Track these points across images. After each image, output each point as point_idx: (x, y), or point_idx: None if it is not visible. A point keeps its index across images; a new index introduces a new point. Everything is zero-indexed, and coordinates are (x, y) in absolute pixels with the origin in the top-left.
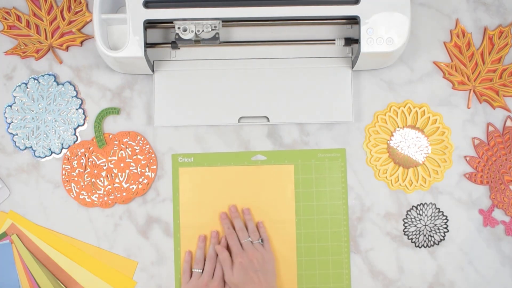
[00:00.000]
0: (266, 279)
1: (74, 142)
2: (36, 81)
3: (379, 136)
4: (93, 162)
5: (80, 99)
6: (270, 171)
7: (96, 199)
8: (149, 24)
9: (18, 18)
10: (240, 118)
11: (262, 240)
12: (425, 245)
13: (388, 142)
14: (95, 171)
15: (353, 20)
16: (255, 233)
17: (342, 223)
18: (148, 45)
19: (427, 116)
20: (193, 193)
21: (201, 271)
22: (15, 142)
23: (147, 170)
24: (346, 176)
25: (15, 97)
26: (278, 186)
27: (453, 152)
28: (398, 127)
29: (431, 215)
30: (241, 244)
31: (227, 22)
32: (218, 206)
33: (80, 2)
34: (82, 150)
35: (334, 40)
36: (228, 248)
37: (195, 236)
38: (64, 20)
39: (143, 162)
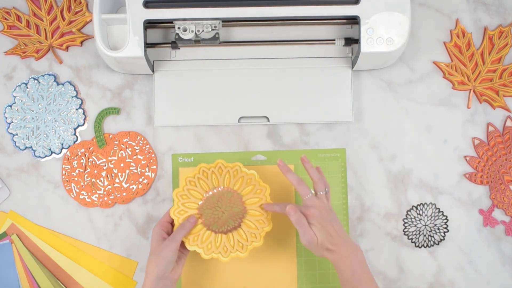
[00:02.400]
0: (340, 228)
1: (74, 142)
2: (36, 81)
3: (189, 201)
4: (93, 162)
5: (80, 99)
6: (270, 171)
7: (96, 199)
8: (149, 24)
9: (18, 18)
10: (240, 118)
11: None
12: (425, 245)
13: (199, 206)
14: (95, 171)
15: (353, 20)
16: (320, 182)
17: (342, 223)
18: (148, 45)
19: (241, 175)
20: None
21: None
22: (15, 142)
23: (147, 170)
24: (346, 176)
25: (15, 97)
26: (278, 186)
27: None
28: (210, 190)
29: (431, 215)
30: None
31: (227, 22)
32: None
33: (80, 2)
34: (82, 150)
35: (334, 40)
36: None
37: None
38: (64, 20)
39: (143, 162)
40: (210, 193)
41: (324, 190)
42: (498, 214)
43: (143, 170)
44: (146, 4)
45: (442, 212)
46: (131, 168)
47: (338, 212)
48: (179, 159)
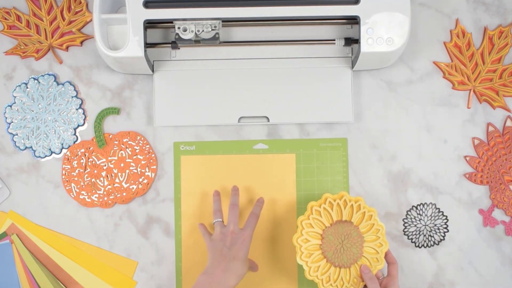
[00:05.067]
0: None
1: (74, 142)
2: (36, 81)
3: (312, 230)
4: (93, 162)
5: (80, 99)
6: (272, 160)
7: (96, 199)
8: (149, 24)
9: (18, 18)
10: (240, 118)
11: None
12: (425, 245)
13: (321, 237)
14: (95, 171)
15: (353, 20)
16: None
17: None
18: (148, 45)
19: (362, 211)
20: (195, 180)
21: (221, 220)
22: (15, 142)
23: (147, 170)
24: (348, 166)
25: (15, 97)
26: (280, 175)
27: (385, 250)
28: (333, 222)
29: (431, 215)
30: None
31: (227, 22)
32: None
33: (80, 2)
34: (82, 150)
35: (334, 40)
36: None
37: (196, 223)
38: (64, 20)
39: (143, 162)
40: (330, 225)
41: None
42: (498, 214)
43: (143, 170)
44: (146, 4)
45: (442, 212)
46: (131, 168)
47: None
48: (181, 147)
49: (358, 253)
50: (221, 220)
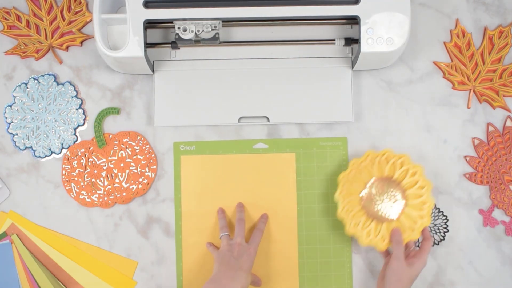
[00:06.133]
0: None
1: (74, 142)
2: (36, 81)
3: (353, 186)
4: (93, 162)
5: (80, 99)
6: (272, 159)
7: (96, 199)
8: (149, 24)
9: (18, 18)
10: (240, 118)
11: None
12: None
13: (362, 193)
14: (95, 171)
15: (353, 20)
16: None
17: None
18: (148, 45)
19: (406, 168)
20: (195, 180)
21: (228, 234)
22: (15, 142)
23: (147, 170)
24: (348, 164)
25: (15, 97)
26: (280, 174)
27: (432, 208)
28: (374, 178)
29: (431, 215)
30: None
31: (227, 22)
32: (220, 194)
33: (80, 2)
34: (82, 150)
35: (334, 40)
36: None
37: (196, 224)
38: (64, 20)
39: (143, 162)
40: (374, 180)
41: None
42: (498, 214)
43: (143, 170)
44: (146, 4)
45: (442, 212)
46: (131, 168)
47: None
48: (181, 147)
49: (399, 210)
50: (227, 234)
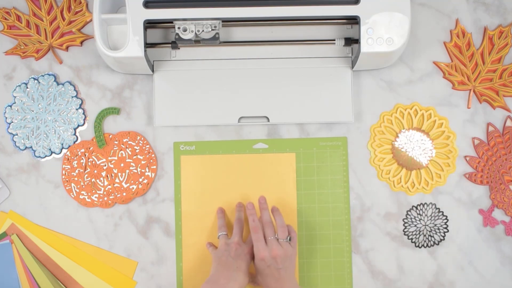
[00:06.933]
0: (287, 275)
1: (74, 142)
2: (36, 81)
3: (384, 137)
4: (93, 162)
5: (80, 99)
6: (272, 159)
7: (96, 199)
8: (149, 24)
9: (18, 18)
10: (240, 118)
11: (290, 239)
12: (425, 245)
13: (393, 143)
14: (95, 171)
15: (353, 20)
16: (284, 230)
17: (344, 211)
18: (148, 45)
19: (433, 119)
20: (195, 180)
21: (226, 233)
22: (15, 142)
23: (147, 170)
24: (348, 164)
25: (15, 97)
26: (280, 174)
27: (457, 157)
28: (404, 129)
29: (431, 215)
30: (265, 239)
31: (227, 22)
32: (220, 194)
33: (80, 2)
34: (82, 150)
35: (334, 40)
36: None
37: (196, 224)
38: (64, 20)
39: (143, 162)
40: (404, 131)
41: (283, 237)
42: (498, 214)
43: (143, 170)
44: (146, 4)
45: (442, 212)
46: (131, 168)
47: (340, 200)
48: (181, 147)
49: (427, 156)
50: (225, 233)
